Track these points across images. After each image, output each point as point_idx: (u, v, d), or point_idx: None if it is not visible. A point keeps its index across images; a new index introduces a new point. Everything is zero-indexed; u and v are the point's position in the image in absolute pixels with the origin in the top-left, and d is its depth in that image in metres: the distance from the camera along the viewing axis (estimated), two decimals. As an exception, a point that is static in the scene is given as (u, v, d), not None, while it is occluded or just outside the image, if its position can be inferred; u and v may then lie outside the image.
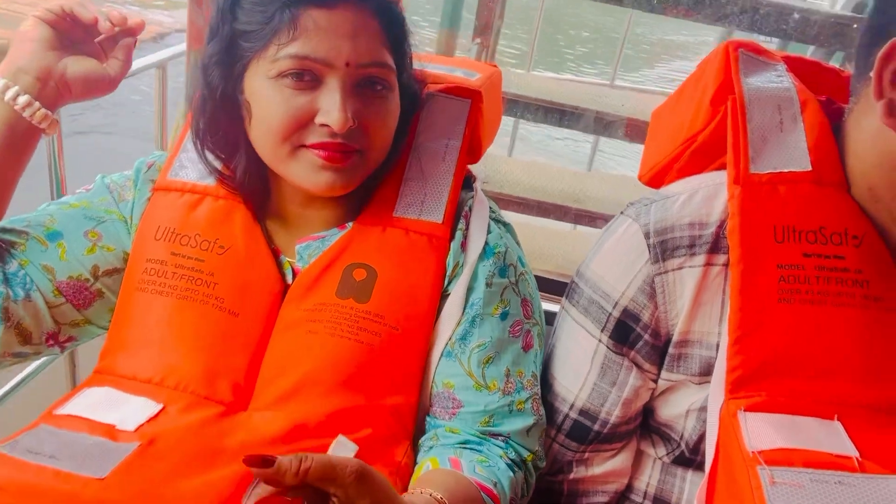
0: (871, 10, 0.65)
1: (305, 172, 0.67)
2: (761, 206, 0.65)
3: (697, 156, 0.79)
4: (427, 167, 0.77)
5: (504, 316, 0.73)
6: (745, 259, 0.64)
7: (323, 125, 0.65)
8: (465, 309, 0.72)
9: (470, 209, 0.77)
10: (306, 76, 0.65)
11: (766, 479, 0.56)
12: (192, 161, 0.77)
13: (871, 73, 0.62)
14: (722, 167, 0.76)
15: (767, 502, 0.54)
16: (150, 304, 0.71)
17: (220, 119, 0.71)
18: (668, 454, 0.74)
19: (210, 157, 0.75)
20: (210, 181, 0.76)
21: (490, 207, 0.79)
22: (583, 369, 0.74)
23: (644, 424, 0.77)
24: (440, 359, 0.71)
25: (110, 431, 0.60)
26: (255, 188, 0.75)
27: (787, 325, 0.62)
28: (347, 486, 0.47)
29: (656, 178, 0.88)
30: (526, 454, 0.70)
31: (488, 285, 0.72)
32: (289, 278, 0.74)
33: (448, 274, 0.73)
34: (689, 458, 0.72)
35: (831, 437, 0.59)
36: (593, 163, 2.75)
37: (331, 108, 0.64)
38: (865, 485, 0.55)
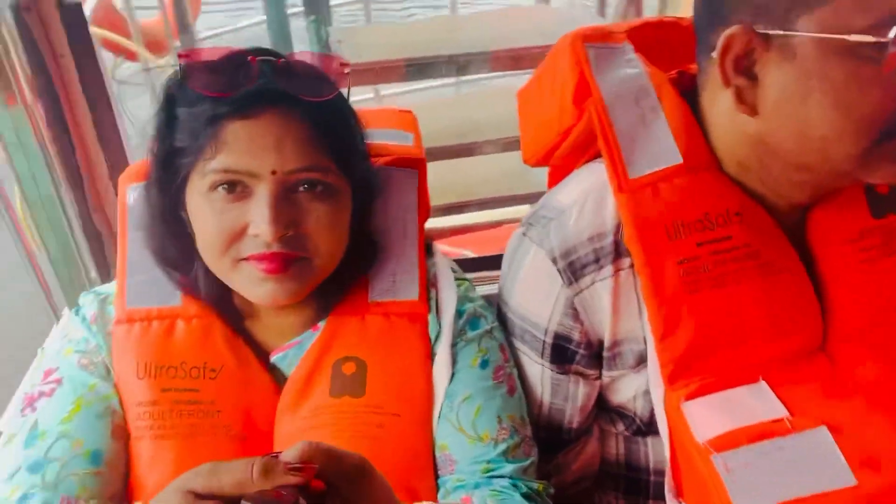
0: None
1: (247, 285, 0.66)
2: (648, 209, 0.68)
3: (575, 148, 0.81)
4: (390, 246, 0.76)
5: (484, 364, 0.74)
6: (649, 264, 0.68)
7: (257, 235, 0.64)
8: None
9: (434, 275, 0.78)
10: (238, 187, 0.64)
11: (721, 466, 0.63)
12: (146, 284, 0.73)
13: (714, 55, 0.64)
14: (599, 155, 0.79)
15: (727, 488, 0.62)
16: (156, 452, 0.67)
17: (169, 237, 0.69)
18: (626, 429, 0.81)
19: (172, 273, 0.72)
20: (174, 302, 0.72)
21: (451, 267, 0.80)
22: (535, 391, 0.79)
23: (600, 406, 0.83)
24: (437, 425, 0.72)
25: None
26: (222, 296, 0.72)
27: (700, 313, 0.67)
28: (348, 479, 0.46)
29: (542, 161, 0.90)
30: (536, 485, 0.72)
31: (464, 341, 0.74)
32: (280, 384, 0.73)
33: (433, 344, 0.74)
34: (646, 430, 0.79)
35: (761, 399, 0.67)
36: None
37: (259, 218, 0.63)
38: (799, 442, 0.63)
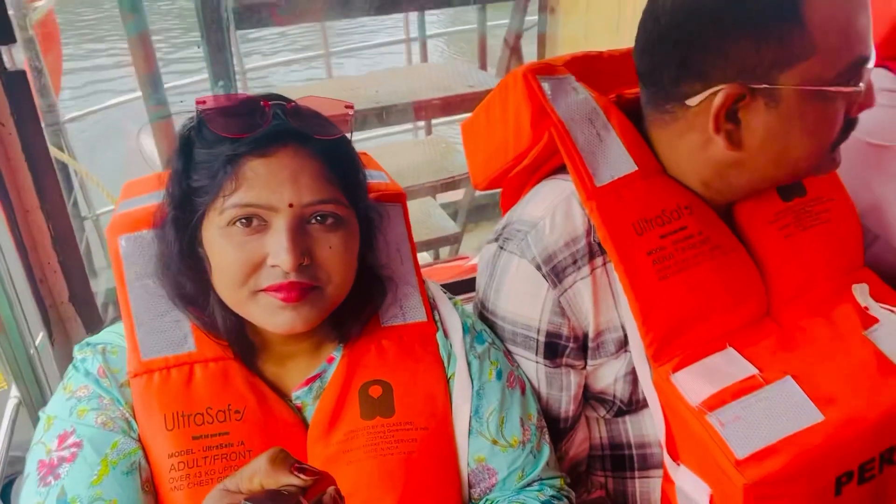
0: (671, 43, 0.74)
1: (265, 315, 0.68)
2: (616, 211, 0.78)
3: (529, 167, 0.90)
4: (393, 276, 0.81)
5: (499, 375, 0.80)
6: (623, 260, 0.77)
7: (275, 266, 0.66)
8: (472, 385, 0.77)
9: (433, 298, 0.83)
10: (254, 221, 0.66)
11: (717, 423, 0.72)
12: (156, 333, 0.72)
13: (689, 103, 0.75)
14: (550, 171, 0.89)
15: (726, 440, 0.71)
16: (196, 500, 0.65)
17: (185, 274, 0.70)
18: (608, 412, 0.89)
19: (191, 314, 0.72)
20: (188, 347, 0.72)
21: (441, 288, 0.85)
22: (533, 386, 0.85)
23: (583, 396, 0.90)
24: (468, 439, 0.76)
25: None
26: (239, 333, 0.72)
27: (672, 295, 0.78)
28: None
29: (492, 184, 0.99)
30: (558, 482, 0.79)
31: (476, 357, 0.79)
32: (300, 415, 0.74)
33: (445, 362, 0.78)
34: (626, 410, 0.87)
35: (732, 363, 0.77)
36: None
37: (278, 248, 0.65)
38: (774, 392, 0.74)
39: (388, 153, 2.49)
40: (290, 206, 0.66)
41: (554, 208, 0.82)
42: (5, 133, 0.89)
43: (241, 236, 0.66)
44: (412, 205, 2.61)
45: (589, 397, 0.89)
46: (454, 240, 2.58)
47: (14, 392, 0.96)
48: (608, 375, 0.85)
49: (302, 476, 0.47)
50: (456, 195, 3.17)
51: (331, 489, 0.49)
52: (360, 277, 0.75)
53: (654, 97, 0.80)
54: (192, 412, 0.69)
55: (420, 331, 0.79)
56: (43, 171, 0.93)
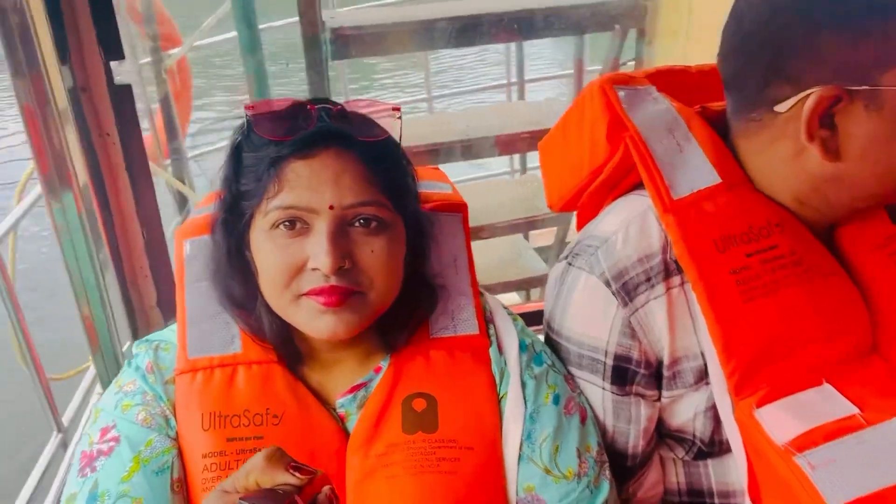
0: (756, 44, 0.69)
1: (307, 319, 0.67)
2: (696, 226, 0.72)
3: (605, 185, 0.86)
4: (446, 286, 0.79)
5: (556, 400, 0.75)
6: (702, 278, 0.71)
7: (315, 269, 0.65)
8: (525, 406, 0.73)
9: (490, 312, 0.80)
10: (297, 224, 0.66)
11: (806, 465, 0.63)
12: (205, 333, 0.73)
13: (778, 109, 0.69)
14: (629, 188, 0.84)
15: (816, 485, 0.62)
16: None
17: (233, 277, 0.71)
18: (686, 453, 0.81)
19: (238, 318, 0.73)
20: (234, 348, 0.73)
21: (502, 305, 0.82)
22: (598, 415, 0.79)
23: (658, 433, 0.83)
24: (517, 465, 0.72)
25: None
26: (285, 338, 0.72)
27: (758, 320, 0.70)
28: None
29: (568, 204, 0.95)
30: None
31: (533, 378, 0.75)
32: (342, 424, 0.73)
33: (497, 380, 0.75)
34: (707, 452, 0.79)
35: (829, 401, 0.68)
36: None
37: (318, 251, 0.65)
38: (878, 434, 0.64)
39: (481, 191, 2.50)
40: (331, 207, 0.65)
41: (628, 223, 0.78)
42: (110, 143, 0.96)
43: (283, 239, 0.66)
44: (502, 243, 2.59)
45: (665, 435, 0.82)
46: (544, 281, 2.52)
47: (98, 388, 1.02)
48: (687, 410, 0.77)
49: (297, 475, 0.47)
50: (549, 240, 3.12)
51: (326, 488, 0.49)
52: (408, 285, 0.73)
53: (740, 104, 0.74)
54: (229, 413, 0.69)
55: (471, 344, 0.76)
56: (141, 180, 1.00)
